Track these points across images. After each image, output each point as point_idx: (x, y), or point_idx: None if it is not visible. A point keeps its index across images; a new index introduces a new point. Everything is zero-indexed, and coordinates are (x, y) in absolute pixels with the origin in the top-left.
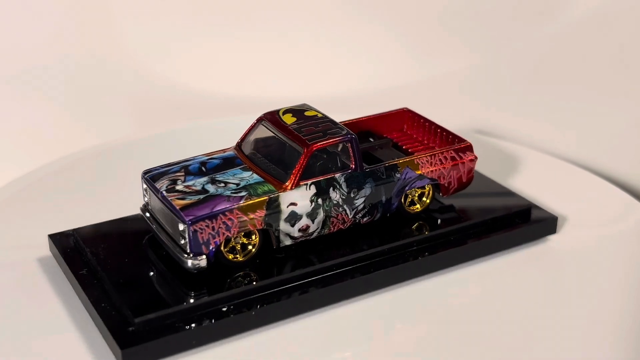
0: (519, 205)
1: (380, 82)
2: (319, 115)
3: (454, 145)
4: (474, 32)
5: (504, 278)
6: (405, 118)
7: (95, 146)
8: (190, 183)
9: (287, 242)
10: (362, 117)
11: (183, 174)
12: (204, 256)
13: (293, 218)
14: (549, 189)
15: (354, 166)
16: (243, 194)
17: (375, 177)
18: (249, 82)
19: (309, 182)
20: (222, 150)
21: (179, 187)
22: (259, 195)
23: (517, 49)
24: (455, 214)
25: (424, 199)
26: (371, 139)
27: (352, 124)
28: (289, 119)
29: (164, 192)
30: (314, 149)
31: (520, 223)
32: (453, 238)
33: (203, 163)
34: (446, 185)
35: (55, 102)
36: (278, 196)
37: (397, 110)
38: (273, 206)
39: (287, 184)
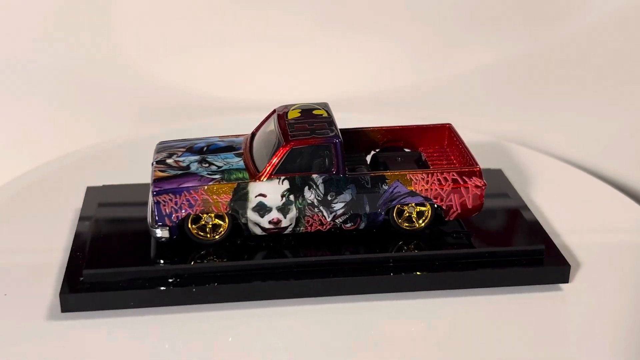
0: (529, 244)
1: (386, 84)
2: (324, 115)
3: (458, 167)
4: (481, 34)
5: (479, 317)
6: (446, 134)
7: (95, 145)
8: (181, 159)
9: (258, 231)
10: (402, 126)
11: (184, 149)
12: (167, 228)
13: (262, 209)
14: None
15: (335, 170)
16: (217, 176)
17: (358, 185)
18: (250, 82)
19: (282, 177)
20: (237, 135)
21: (170, 160)
22: (229, 181)
23: (522, 51)
24: (461, 239)
25: (423, 218)
26: (406, 149)
27: (390, 132)
28: (293, 114)
29: (154, 162)
30: (292, 146)
31: (522, 264)
32: (438, 263)
33: (209, 144)
34: (445, 208)
35: (56, 102)
36: (247, 185)
37: (440, 124)
38: (240, 193)
39: (259, 175)
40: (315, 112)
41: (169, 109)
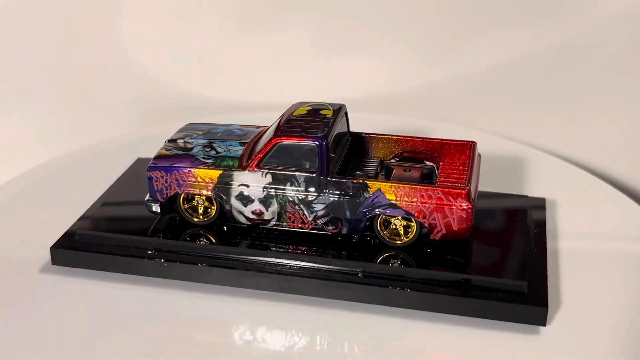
0: (514, 277)
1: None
2: (328, 116)
3: (443, 186)
4: (485, 35)
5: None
6: (467, 152)
7: (96, 145)
8: (191, 141)
9: (243, 220)
10: (424, 138)
11: (201, 133)
12: (159, 203)
13: (244, 198)
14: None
15: (318, 171)
16: (209, 161)
17: (340, 189)
18: (252, 82)
19: (266, 170)
20: (258, 126)
21: (180, 141)
22: (217, 167)
23: (526, 51)
24: (448, 259)
25: (408, 234)
26: (427, 162)
27: (411, 142)
28: (300, 111)
29: (166, 141)
30: (277, 141)
31: (494, 298)
32: (408, 281)
33: (227, 130)
34: (429, 226)
35: (56, 102)
36: (232, 173)
37: (463, 142)
38: (225, 180)
39: (244, 165)
40: (322, 112)
41: (170, 108)
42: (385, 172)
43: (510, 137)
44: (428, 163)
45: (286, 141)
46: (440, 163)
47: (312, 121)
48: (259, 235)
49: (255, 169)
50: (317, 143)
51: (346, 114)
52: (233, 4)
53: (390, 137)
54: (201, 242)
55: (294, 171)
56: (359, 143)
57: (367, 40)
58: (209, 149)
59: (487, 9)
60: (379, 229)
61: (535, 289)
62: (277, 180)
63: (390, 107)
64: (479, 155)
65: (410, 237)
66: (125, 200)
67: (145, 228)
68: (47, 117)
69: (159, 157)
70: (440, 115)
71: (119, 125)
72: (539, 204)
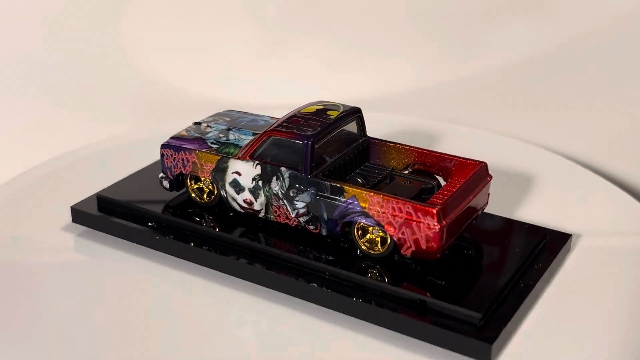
0: (469, 306)
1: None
2: (332, 117)
3: (414, 202)
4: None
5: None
6: (471, 171)
7: (95, 144)
8: (213, 126)
9: (237, 207)
10: (440, 152)
11: (227, 120)
12: (169, 180)
13: (237, 186)
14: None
15: (302, 169)
16: (214, 146)
17: (319, 189)
18: (253, 82)
19: (257, 162)
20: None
21: (203, 125)
22: (218, 152)
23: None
24: (417, 277)
25: (385, 245)
26: (438, 177)
27: (424, 155)
28: (309, 109)
29: (192, 124)
30: (270, 135)
31: (444, 325)
32: (368, 292)
33: (253, 120)
34: (398, 240)
35: (56, 102)
36: (228, 160)
37: (473, 161)
38: (221, 166)
39: (239, 154)
40: (329, 112)
41: (171, 108)
42: (390, 182)
43: (509, 134)
44: (439, 178)
45: (278, 136)
46: (449, 179)
47: (312, 120)
48: (256, 224)
49: (248, 159)
50: (304, 141)
51: (360, 117)
52: (234, 4)
53: (404, 146)
54: (186, 221)
55: (281, 166)
56: (374, 149)
57: (381, 42)
58: (222, 136)
59: (491, 9)
60: (356, 236)
61: (492, 324)
62: (265, 172)
63: (408, 108)
64: (490, 176)
65: (385, 248)
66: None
67: (158, 202)
68: (47, 118)
69: (175, 136)
70: (455, 116)
71: (121, 124)
72: (561, 238)
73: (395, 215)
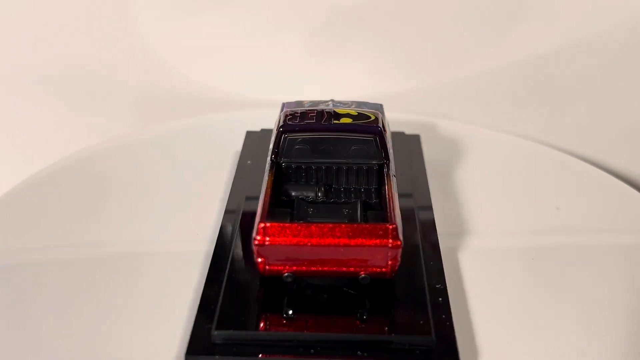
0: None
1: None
2: (334, 122)
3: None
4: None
5: None
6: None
7: (96, 144)
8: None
9: None
10: None
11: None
12: None
13: None
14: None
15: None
16: None
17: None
18: (254, 80)
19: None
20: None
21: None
22: None
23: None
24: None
25: None
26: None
27: None
28: (342, 111)
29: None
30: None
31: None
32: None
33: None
34: None
35: (57, 101)
36: None
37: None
38: None
39: None
40: (343, 119)
41: (171, 107)
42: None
43: (508, 131)
44: None
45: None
46: None
47: (316, 116)
48: None
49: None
50: (279, 129)
51: (380, 137)
52: (235, 4)
53: None
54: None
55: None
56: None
57: (374, 40)
58: None
59: (492, 9)
60: None
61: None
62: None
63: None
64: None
65: None
66: None
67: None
68: (47, 118)
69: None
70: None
71: (122, 123)
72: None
73: None
